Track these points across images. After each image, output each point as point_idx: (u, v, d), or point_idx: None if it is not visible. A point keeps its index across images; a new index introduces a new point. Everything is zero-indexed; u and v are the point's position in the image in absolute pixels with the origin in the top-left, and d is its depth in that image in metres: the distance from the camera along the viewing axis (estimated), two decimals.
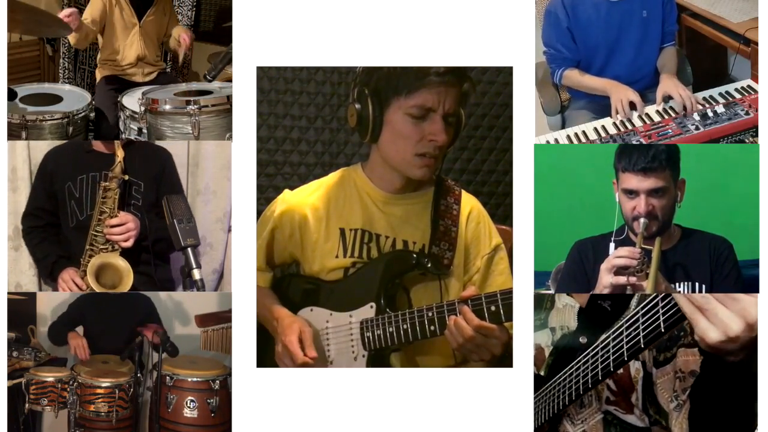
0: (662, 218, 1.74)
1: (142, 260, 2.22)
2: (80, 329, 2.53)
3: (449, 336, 1.54)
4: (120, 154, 2.17)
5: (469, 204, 1.78)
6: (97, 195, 2.17)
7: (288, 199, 1.79)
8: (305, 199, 1.77)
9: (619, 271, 1.64)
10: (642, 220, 1.72)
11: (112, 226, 2.14)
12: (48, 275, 2.27)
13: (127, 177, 2.18)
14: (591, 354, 1.32)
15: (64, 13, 2.65)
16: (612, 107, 2.22)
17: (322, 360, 1.70)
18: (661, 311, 1.12)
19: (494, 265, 1.75)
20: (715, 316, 1.05)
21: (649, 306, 1.15)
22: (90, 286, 2.14)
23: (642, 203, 1.73)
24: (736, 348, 1.06)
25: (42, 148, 2.43)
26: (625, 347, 1.21)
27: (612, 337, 1.25)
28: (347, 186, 1.77)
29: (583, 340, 1.50)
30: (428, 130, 1.60)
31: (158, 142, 2.44)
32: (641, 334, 1.17)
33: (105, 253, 2.16)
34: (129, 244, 2.16)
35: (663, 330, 1.12)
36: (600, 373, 1.30)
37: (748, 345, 1.06)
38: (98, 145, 2.30)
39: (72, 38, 2.87)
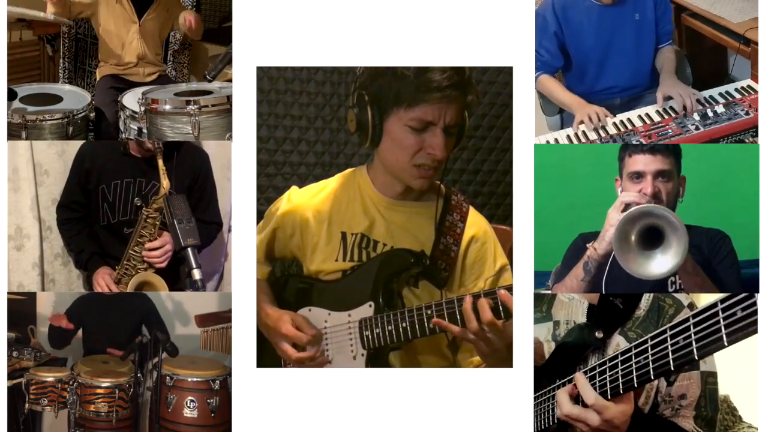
0: (667, 204, 1.75)
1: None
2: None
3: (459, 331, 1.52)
4: (166, 185, 2.11)
5: (475, 225, 1.72)
6: (139, 218, 2.20)
7: (293, 199, 1.79)
8: (309, 201, 1.77)
9: (627, 207, 1.66)
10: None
11: (152, 249, 2.20)
12: (82, 267, 2.38)
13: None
14: (610, 364, 1.31)
15: None
16: (575, 123, 2.23)
17: (323, 335, 1.71)
18: (693, 334, 1.10)
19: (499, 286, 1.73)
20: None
21: (680, 328, 1.13)
22: None
23: (648, 185, 1.74)
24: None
25: (43, 148, 2.44)
26: (651, 366, 1.19)
27: (635, 352, 1.24)
28: (351, 188, 1.75)
29: (599, 335, 1.49)
30: (428, 143, 1.57)
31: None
32: (670, 357, 1.14)
33: (142, 272, 2.23)
34: (164, 265, 2.23)
35: (696, 357, 1.10)
36: (621, 387, 1.28)
37: None
38: (134, 148, 2.31)
39: (50, 6, 2.80)
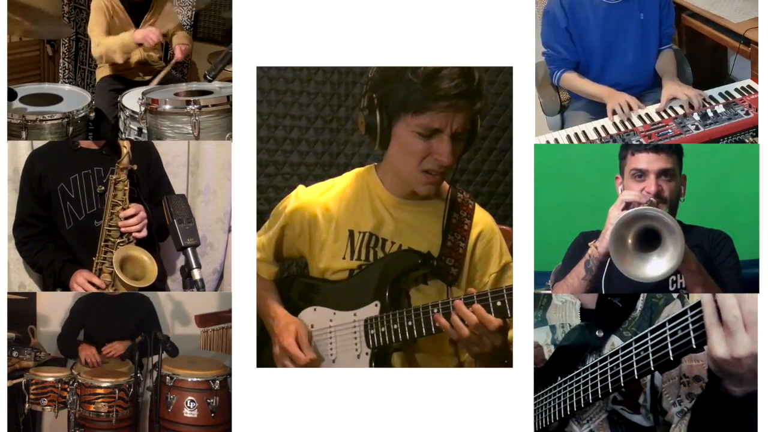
0: (669, 203, 1.74)
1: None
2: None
3: (449, 331, 1.54)
4: (127, 144, 2.15)
5: (482, 221, 1.74)
6: (108, 189, 2.16)
7: (300, 197, 1.79)
8: (317, 198, 1.77)
9: (628, 206, 1.65)
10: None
11: (127, 218, 2.15)
12: (56, 282, 2.24)
13: (135, 167, 2.17)
14: (611, 359, 1.31)
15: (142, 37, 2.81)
16: (608, 112, 2.23)
17: (322, 359, 1.71)
18: (690, 324, 1.11)
19: (502, 283, 1.72)
20: (732, 335, 1.06)
21: (678, 319, 1.14)
22: (122, 281, 2.13)
23: (652, 183, 1.74)
24: (737, 374, 1.08)
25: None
26: (651, 357, 1.19)
27: (635, 345, 1.24)
28: (360, 187, 1.76)
29: (599, 334, 1.49)
30: (434, 149, 1.57)
31: (156, 142, 2.44)
32: (669, 348, 1.15)
33: (123, 246, 2.16)
34: (144, 234, 2.17)
35: (695, 346, 1.11)
36: (622, 380, 1.28)
37: (750, 377, 1.08)
38: (85, 143, 2.29)
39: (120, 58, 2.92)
